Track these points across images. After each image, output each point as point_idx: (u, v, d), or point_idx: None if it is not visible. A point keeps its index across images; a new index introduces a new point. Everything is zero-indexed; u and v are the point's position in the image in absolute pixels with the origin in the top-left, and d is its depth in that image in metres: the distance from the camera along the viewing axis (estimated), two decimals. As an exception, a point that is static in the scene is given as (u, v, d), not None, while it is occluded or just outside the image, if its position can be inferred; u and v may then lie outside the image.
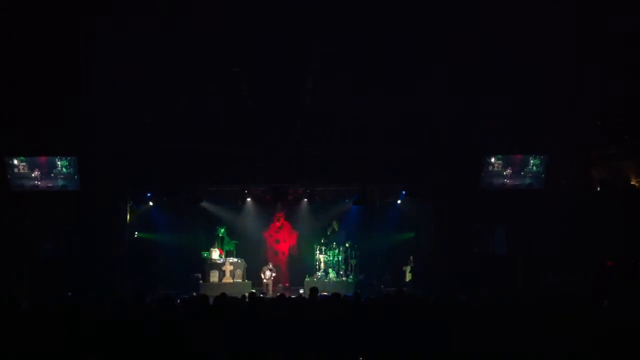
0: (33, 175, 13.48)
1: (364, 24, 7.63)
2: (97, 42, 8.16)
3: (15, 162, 13.39)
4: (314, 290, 9.09)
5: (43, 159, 13.47)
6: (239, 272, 16.71)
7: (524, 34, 7.97)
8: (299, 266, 17.90)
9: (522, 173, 13.76)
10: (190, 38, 8.09)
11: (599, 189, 13.92)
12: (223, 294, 8.71)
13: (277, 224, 18.14)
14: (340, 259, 17.06)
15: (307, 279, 16.80)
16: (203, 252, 16.83)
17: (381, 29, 7.81)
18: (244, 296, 10.34)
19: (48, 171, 13.49)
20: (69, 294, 12.45)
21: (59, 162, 13.46)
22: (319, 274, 17.00)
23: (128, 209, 15.04)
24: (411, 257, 16.47)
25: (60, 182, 13.55)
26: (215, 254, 16.81)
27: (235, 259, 16.93)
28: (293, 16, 7.17)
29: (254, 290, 12.27)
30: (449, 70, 9.30)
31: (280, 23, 7.47)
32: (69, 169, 13.47)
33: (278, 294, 9.95)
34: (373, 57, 8.73)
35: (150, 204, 15.98)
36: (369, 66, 9.07)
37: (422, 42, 8.14)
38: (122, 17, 7.36)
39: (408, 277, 16.47)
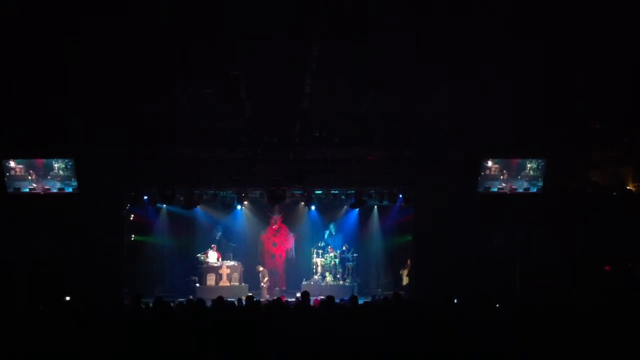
0: (30, 177, 13.41)
1: (364, 25, 7.61)
2: (95, 42, 8.14)
3: (12, 164, 13.31)
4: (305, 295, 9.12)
5: (40, 161, 13.38)
6: (235, 275, 16.68)
7: (523, 35, 7.97)
8: (296, 269, 17.87)
9: (519, 177, 13.81)
10: (189, 39, 8.07)
11: (596, 193, 13.95)
12: (220, 298, 8.73)
13: (275, 227, 18.09)
14: (337, 262, 17.04)
15: (304, 283, 16.77)
16: (199, 255, 16.79)
17: (381, 31, 7.79)
18: (240, 300, 10.35)
19: (45, 173, 13.41)
20: (67, 297, 12.41)
21: (56, 165, 13.38)
22: (316, 277, 16.98)
23: (125, 211, 14.98)
24: (408, 261, 16.44)
25: (57, 185, 13.48)
26: (212, 256, 16.78)
27: (232, 262, 16.89)
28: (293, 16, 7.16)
29: (250, 294, 12.27)
30: (448, 73, 9.29)
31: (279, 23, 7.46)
32: (66, 171, 13.40)
33: (275, 298, 9.95)
34: (373, 60, 8.70)
35: (148, 206, 15.91)
36: (369, 68, 9.04)
37: (423, 44, 8.12)
38: (118, 18, 7.34)
39: (405, 280, 16.45)
